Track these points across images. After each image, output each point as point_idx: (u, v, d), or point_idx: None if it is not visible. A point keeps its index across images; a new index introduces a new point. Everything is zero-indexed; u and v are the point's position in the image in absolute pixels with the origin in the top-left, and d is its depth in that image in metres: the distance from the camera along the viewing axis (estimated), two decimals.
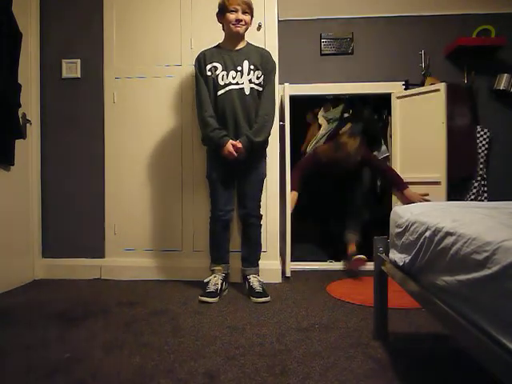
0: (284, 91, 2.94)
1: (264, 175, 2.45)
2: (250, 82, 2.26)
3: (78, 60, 2.83)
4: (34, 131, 2.79)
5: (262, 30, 2.67)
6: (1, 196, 2.46)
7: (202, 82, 2.28)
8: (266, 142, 2.38)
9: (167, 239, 2.77)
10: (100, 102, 2.80)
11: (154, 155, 2.77)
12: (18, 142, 2.57)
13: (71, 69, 2.84)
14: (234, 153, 2.21)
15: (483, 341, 0.80)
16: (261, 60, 2.30)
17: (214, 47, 2.34)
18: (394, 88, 3.16)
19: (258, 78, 2.28)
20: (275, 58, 2.60)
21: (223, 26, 2.32)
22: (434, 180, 2.85)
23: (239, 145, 2.21)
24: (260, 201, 2.44)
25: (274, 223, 2.71)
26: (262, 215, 2.45)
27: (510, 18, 3.12)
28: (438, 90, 2.84)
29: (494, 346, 0.76)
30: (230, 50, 2.30)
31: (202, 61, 2.29)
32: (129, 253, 2.78)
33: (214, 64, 2.27)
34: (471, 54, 3.10)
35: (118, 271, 2.75)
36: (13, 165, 2.53)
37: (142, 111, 2.77)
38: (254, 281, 2.36)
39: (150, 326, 1.82)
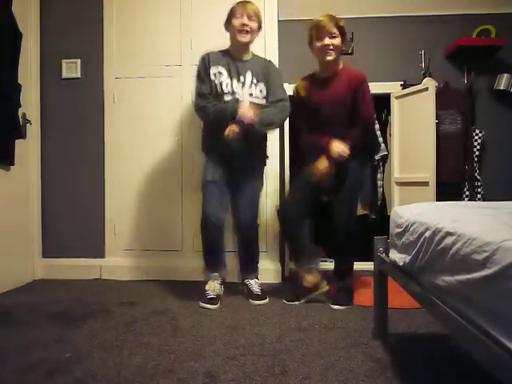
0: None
1: (262, 185, 2.39)
2: (251, 95, 2.21)
3: (78, 60, 2.83)
4: (34, 131, 2.79)
5: (262, 30, 2.66)
6: (1, 196, 2.46)
7: (204, 80, 2.22)
8: (272, 126, 2.29)
9: (167, 239, 2.77)
10: (100, 102, 2.81)
11: (154, 155, 2.77)
12: (18, 142, 2.57)
13: (71, 69, 2.84)
14: (251, 115, 2.08)
15: (483, 341, 0.80)
16: (263, 71, 2.26)
17: (220, 51, 2.29)
18: (394, 88, 3.16)
19: (260, 92, 2.24)
20: (275, 57, 2.61)
21: (230, 35, 2.26)
22: (423, 180, 2.85)
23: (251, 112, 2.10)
24: (257, 212, 2.37)
25: (273, 223, 2.70)
26: (258, 225, 2.39)
27: (510, 18, 3.12)
28: (426, 89, 2.84)
29: (494, 346, 0.76)
30: (236, 58, 2.26)
31: (206, 61, 2.24)
32: (129, 253, 2.78)
33: (220, 69, 2.21)
34: (471, 54, 3.10)
35: (118, 271, 2.75)
36: (13, 165, 2.53)
37: (142, 111, 2.77)
38: (252, 283, 2.34)
39: (149, 326, 1.82)
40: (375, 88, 3.17)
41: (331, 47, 2.14)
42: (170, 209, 2.76)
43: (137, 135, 2.78)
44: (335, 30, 2.15)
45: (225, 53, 2.28)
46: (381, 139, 3.34)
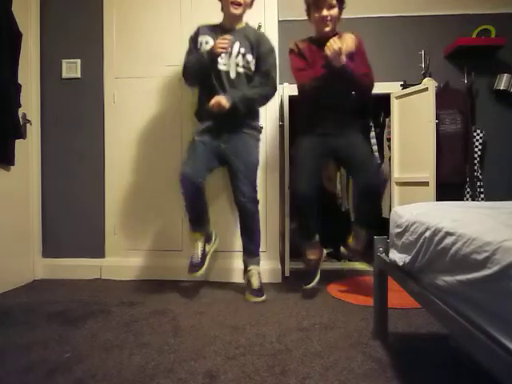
0: (283, 91, 2.94)
1: (257, 160, 2.38)
2: (237, 65, 2.23)
3: (78, 60, 2.83)
4: (34, 131, 2.79)
5: (262, 30, 2.67)
6: (1, 196, 2.46)
7: (191, 50, 2.29)
8: (253, 104, 2.29)
9: (167, 239, 2.77)
10: (100, 102, 2.81)
11: (154, 155, 2.77)
12: (18, 142, 2.57)
13: (71, 69, 2.84)
14: (226, 44, 2.11)
15: (483, 341, 0.80)
16: (254, 43, 2.26)
17: (213, 24, 2.33)
18: (394, 88, 3.16)
19: (247, 63, 2.24)
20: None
21: (223, 8, 2.28)
22: (423, 180, 2.85)
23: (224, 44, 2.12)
24: (256, 185, 2.35)
25: (274, 223, 2.71)
26: (258, 200, 2.37)
27: (510, 18, 3.13)
28: (426, 89, 2.84)
29: (494, 346, 0.76)
30: (226, 29, 2.27)
31: (196, 32, 2.31)
32: (129, 253, 2.78)
33: (207, 38, 2.25)
34: (471, 54, 3.10)
35: (118, 271, 2.75)
36: (13, 165, 2.53)
37: (142, 111, 2.77)
38: (253, 275, 2.32)
39: (150, 326, 1.82)
40: (375, 88, 3.18)
41: (329, 18, 2.15)
42: (170, 209, 2.75)
43: (137, 135, 2.78)
44: (333, 1, 2.14)
45: (216, 25, 2.32)
46: (375, 147, 3.34)
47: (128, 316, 1.97)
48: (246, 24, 2.34)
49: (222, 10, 2.30)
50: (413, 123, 2.98)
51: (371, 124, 3.38)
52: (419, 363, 1.45)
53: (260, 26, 2.64)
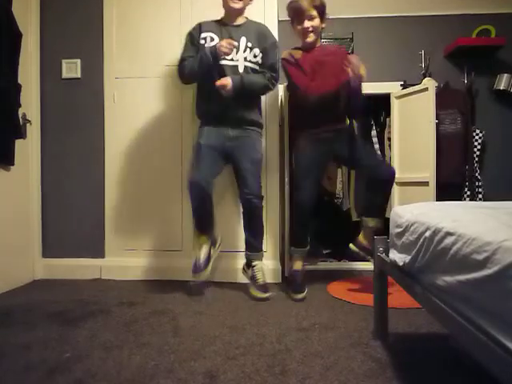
0: (283, 91, 2.94)
1: (262, 156, 2.39)
2: (245, 60, 2.23)
3: (78, 60, 2.83)
4: (34, 131, 2.79)
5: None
6: (1, 196, 2.46)
7: (189, 47, 2.24)
8: (262, 88, 2.29)
9: (167, 239, 2.77)
10: (100, 101, 2.81)
11: (154, 155, 2.77)
12: (18, 142, 2.57)
13: (71, 69, 2.84)
14: (231, 45, 2.10)
15: (483, 341, 0.80)
16: (259, 37, 2.27)
17: (213, 20, 2.31)
18: (394, 88, 3.16)
19: (254, 57, 2.24)
20: None
21: (223, 2, 2.27)
22: (423, 180, 2.85)
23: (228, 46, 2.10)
24: (260, 181, 2.36)
25: (274, 224, 2.71)
26: (263, 196, 2.38)
27: (510, 18, 3.13)
28: (426, 89, 2.85)
29: (494, 346, 0.76)
30: (229, 24, 2.27)
31: (196, 30, 2.26)
32: (129, 253, 2.78)
33: (211, 34, 2.23)
34: (471, 54, 3.10)
35: (118, 271, 2.75)
36: (13, 165, 2.53)
37: (142, 111, 2.77)
38: (258, 270, 2.33)
39: (150, 326, 1.82)
40: (375, 88, 3.19)
41: (311, 29, 2.25)
42: (170, 209, 2.76)
43: (137, 135, 2.78)
44: (313, 12, 2.23)
45: (218, 21, 2.30)
46: (376, 146, 3.34)
47: (128, 316, 1.97)
48: (247, 19, 2.34)
49: (223, 5, 2.29)
50: (413, 123, 2.98)
51: (372, 123, 3.38)
52: (419, 363, 1.45)
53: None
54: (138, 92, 2.77)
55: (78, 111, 2.85)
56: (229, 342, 1.64)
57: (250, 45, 2.23)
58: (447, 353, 1.53)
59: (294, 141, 2.48)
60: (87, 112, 2.84)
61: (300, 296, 2.25)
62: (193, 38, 2.27)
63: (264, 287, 2.27)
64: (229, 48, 2.10)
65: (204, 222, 2.31)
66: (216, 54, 2.13)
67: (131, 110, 2.78)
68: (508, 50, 3.08)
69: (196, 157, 2.27)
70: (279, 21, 2.80)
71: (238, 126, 2.26)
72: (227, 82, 2.13)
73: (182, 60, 2.26)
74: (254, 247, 2.40)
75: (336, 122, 2.32)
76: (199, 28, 2.27)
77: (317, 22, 2.25)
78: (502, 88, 3.07)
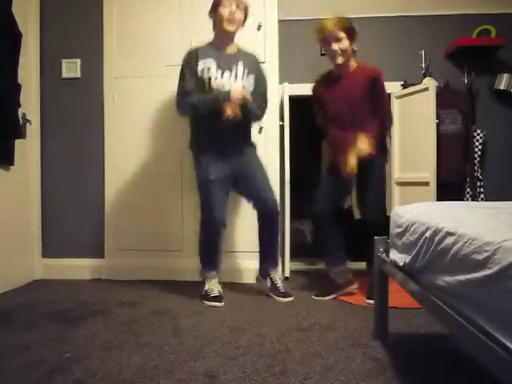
0: (283, 91, 2.94)
1: (263, 165, 2.39)
2: (243, 87, 2.19)
3: (78, 60, 2.83)
4: (34, 131, 2.79)
5: (262, 29, 2.67)
6: (1, 196, 2.46)
7: (187, 78, 2.18)
8: (255, 117, 2.29)
9: (167, 239, 2.76)
10: (100, 101, 2.81)
11: (153, 155, 2.77)
12: (18, 142, 2.57)
13: (71, 69, 2.84)
14: (239, 97, 2.08)
15: (483, 341, 0.80)
16: (253, 64, 2.26)
17: (207, 44, 2.26)
18: (394, 88, 3.16)
19: (250, 84, 2.23)
20: (275, 57, 2.61)
21: (214, 25, 2.24)
22: (423, 180, 2.84)
23: (244, 92, 2.12)
24: (271, 186, 2.34)
25: None
26: (278, 204, 2.37)
27: (510, 18, 3.13)
28: (426, 89, 2.84)
29: (494, 346, 0.76)
30: (223, 50, 2.23)
31: (193, 56, 2.19)
32: (129, 253, 2.78)
33: (208, 63, 2.17)
34: (471, 54, 3.10)
35: (118, 271, 2.74)
36: (13, 165, 2.53)
37: (142, 111, 2.77)
38: (277, 279, 2.33)
39: (150, 326, 1.82)
40: None
41: (339, 51, 2.17)
42: (170, 209, 2.75)
43: (137, 135, 2.78)
44: (341, 35, 2.17)
45: (211, 45, 2.25)
46: None
47: (128, 316, 1.97)
48: (238, 46, 2.29)
49: (214, 28, 2.25)
50: (413, 123, 2.98)
51: None
52: (419, 363, 1.45)
53: (260, 25, 2.64)
54: (137, 92, 2.77)
55: (77, 111, 2.85)
56: (229, 342, 1.64)
57: (246, 71, 2.21)
58: (447, 353, 1.53)
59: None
60: (87, 112, 2.84)
61: (322, 298, 2.27)
62: (192, 68, 2.19)
63: (285, 293, 2.27)
64: (239, 98, 2.08)
65: (213, 260, 2.33)
66: (229, 99, 2.08)
67: (131, 109, 2.78)
68: (508, 49, 3.07)
69: (207, 193, 2.22)
70: (279, 21, 2.81)
71: (237, 152, 2.24)
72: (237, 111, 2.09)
73: (185, 94, 2.17)
74: (272, 262, 2.35)
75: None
76: (195, 56, 2.19)
77: (345, 44, 2.18)
78: (502, 88, 3.07)
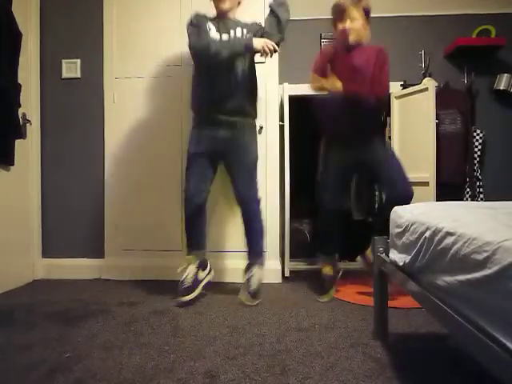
0: (283, 91, 2.94)
1: (257, 157, 2.34)
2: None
3: (78, 60, 2.83)
4: (34, 131, 2.79)
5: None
6: (1, 196, 2.46)
7: (203, 31, 2.15)
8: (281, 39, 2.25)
9: (167, 239, 2.77)
10: (100, 102, 2.81)
11: (153, 155, 2.77)
12: (18, 142, 2.57)
13: (71, 69, 2.84)
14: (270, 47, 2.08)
15: (483, 341, 0.80)
16: (254, 26, 2.25)
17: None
18: (394, 88, 3.16)
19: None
20: (275, 57, 2.60)
21: (214, 4, 2.25)
22: (423, 180, 2.84)
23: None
24: (257, 184, 2.32)
25: (274, 223, 2.71)
26: (260, 199, 2.33)
27: (510, 18, 3.13)
28: (426, 89, 2.84)
29: (494, 346, 0.76)
30: (222, 21, 2.24)
31: (197, 15, 2.21)
32: (129, 253, 2.78)
33: (209, 25, 2.18)
34: (471, 54, 3.10)
35: (118, 271, 2.74)
36: (13, 165, 2.53)
37: (142, 111, 2.77)
38: (254, 275, 2.25)
39: (150, 326, 1.82)
40: None
41: (352, 30, 2.20)
42: (170, 209, 2.75)
43: (137, 135, 2.78)
44: (355, 14, 2.19)
45: (212, 17, 2.28)
46: None
47: (128, 316, 1.97)
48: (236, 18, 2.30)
49: (215, 7, 2.27)
50: (413, 123, 2.98)
51: None
52: (419, 363, 1.45)
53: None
54: (137, 92, 2.77)
55: (77, 111, 2.85)
56: (229, 342, 1.64)
57: (245, 31, 2.21)
58: (447, 352, 1.53)
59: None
60: (87, 112, 2.84)
61: (324, 300, 2.26)
62: (197, 20, 2.19)
63: (254, 294, 2.20)
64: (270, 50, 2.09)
65: (194, 239, 2.31)
66: (250, 50, 2.10)
67: (131, 109, 2.78)
68: (508, 49, 3.08)
69: (187, 167, 2.28)
70: None
71: (230, 123, 2.20)
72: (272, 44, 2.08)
73: (198, 34, 2.14)
74: (254, 253, 2.34)
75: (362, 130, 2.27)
76: (198, 16, 2.21)
77: (358, 24, 2.21)
78: (501, 88, 3.07)
